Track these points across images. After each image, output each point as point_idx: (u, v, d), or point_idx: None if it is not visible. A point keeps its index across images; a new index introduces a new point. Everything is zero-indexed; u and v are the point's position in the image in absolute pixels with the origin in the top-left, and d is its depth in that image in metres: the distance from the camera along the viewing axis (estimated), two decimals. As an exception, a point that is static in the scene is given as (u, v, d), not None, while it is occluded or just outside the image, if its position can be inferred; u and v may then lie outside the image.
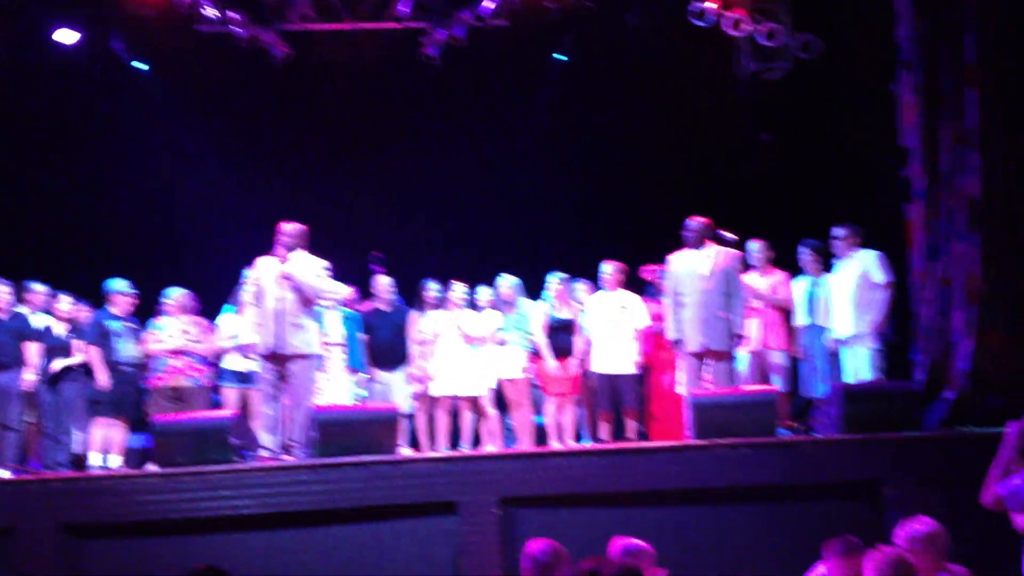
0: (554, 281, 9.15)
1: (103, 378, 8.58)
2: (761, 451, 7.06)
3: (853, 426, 7.20)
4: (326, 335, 8.88)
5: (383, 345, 9.25)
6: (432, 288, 9.29)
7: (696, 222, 8.47)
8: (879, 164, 9.02)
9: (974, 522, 5.17)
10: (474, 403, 9.07)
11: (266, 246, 8.27)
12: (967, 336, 7.84)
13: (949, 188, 8.16)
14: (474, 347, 9.06)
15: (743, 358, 8.70)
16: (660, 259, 9.45)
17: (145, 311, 9.20)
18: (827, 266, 8.97)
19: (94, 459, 8.60)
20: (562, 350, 8.99)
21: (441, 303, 9.23)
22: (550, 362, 8.96)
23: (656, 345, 9.26)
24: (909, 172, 8.49)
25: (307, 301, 8.15)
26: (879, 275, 8.44)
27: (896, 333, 8.58)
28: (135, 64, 10.94)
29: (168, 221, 11.64)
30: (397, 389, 9.21)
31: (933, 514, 5.15)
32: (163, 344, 8.80)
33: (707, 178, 11.33)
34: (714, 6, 10.29)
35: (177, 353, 8.77)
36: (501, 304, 9.22)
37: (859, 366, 8.44)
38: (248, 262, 8.46)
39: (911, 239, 8.42)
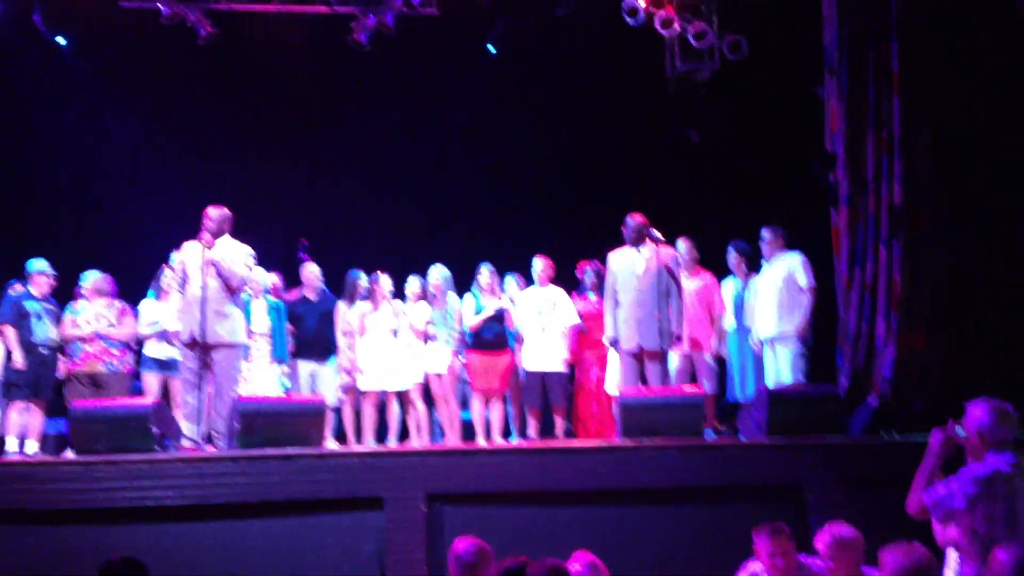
0: (485, 271, 9.12)
1: (18, 358, 8.34)
2: (687, 453, 7.11)
3: (777, 429, 7.32)
4: (251, 324, 8.74)
5: (309, 335, 9.14)
6: (360, 278, 9.20)
7: (635, 220, 8.51)
8: (805, 167, 9.15)
9: (896, 528, 5.27)
10: (401, 397, 9.01)
11: (191, 230, 8.09)
12: (890, 342, 8.03)
13: (873, 194, 8.34)
14: (402, 340, 8.99)
15: (673, 359, 8.78)
16: (587, 255, 9.54)
17: (65, 293, 8.97)
18: (753, 268, 9.11)
19: (10, 444, 8.36)
20: (491, 342, 8.97)
21: (368, 294, 9.14)
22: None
23: (583, 343, 9.32)
24: (834, 178, 8.66)
25: (232, 289, 8.00)
26: (803, 278, 8.58)
27: (821, 337, 8.74)
28: (56, 39, 10.58)
29: (90, 201, 11.36)
30: (323, 380, 9.11)
31: (856, 519, 5.30)
32: (79, 329, 8.57)
33: (636, 175, 11.42)
34: (644, 4, 10.35)
35: (92, 338, 8.54)
36: (430, 297, 9.16)
37: (781, 368, 8.57)
38: (171, 246, 8.28)
39: (837, 244, 8.59)
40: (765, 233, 8.83)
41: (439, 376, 9.04)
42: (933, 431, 4.74)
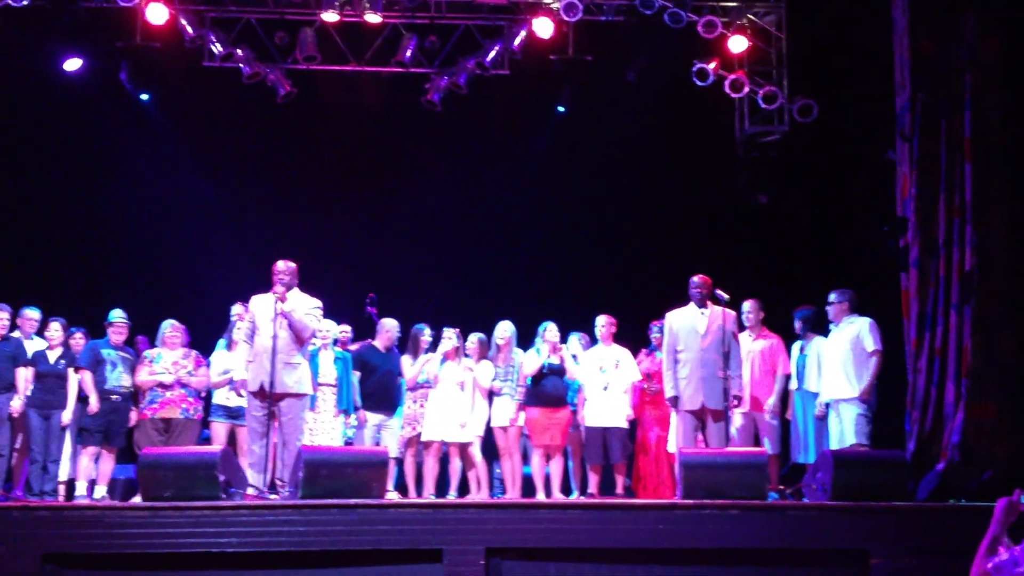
0: (550, 327, 9.16)
1: (94, 402, 8.57)
2: (750, 514, 7.02)
3: (842, 493, 7.20)
4: (318, 375, 8.87)
5: (375, 387, 9.24)
6: (426, 332, 9.30)
7: (700, 280, 8.56)
8: (875, 231, 9.09)
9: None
10: (463, 450, 9.05)
11: (260, 282, 8.28)
12: (958, 408, 7.90)
13: (944, 259, 8.26)
14: (467, 394, 9.05)
15: (736, 419, 8.72)
16: (654, 314, 9.54)
17: (134, 341, 9.20)
18: (818, 332, 9.04)
19: (80, 488, 8.55)
20: (553, 397, 8.99)
21: (434, 348, 9.23)
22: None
23: (645, 401, 9.29)
24: (905, 242, 8.59)
25: (300, 340, 8.15)
26: (870, 342, 8.49)
27: (888, 402, 8.62)
28: (140, 95, 10.96)
29: (166, 253, 11.64)
30: (389, 432, 9.18)
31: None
32: (157, 376, 8.78)
33: (702, 236, 11.42)
34: (715, 66, 10.44)
35: (171, 385, 8.74)
36: (495, 352, 9.22)
37: (846, 431, 8.46)
38: (241, 297, 8.46)
39: (906, 308, 8.49)
40: (833, 296, 8.78)
41: (504, 429, 9.08)
42: (999, 499, 4.64)
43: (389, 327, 9.47)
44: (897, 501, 7.19)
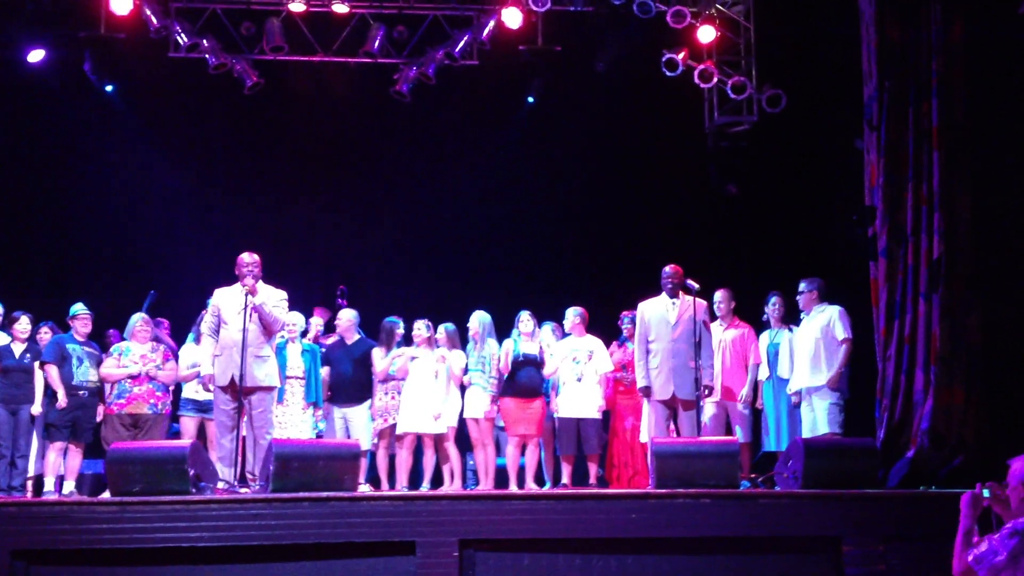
0: (525, 316, 9.15)
1: (61, 397, 8.47)
2: (722, 502, 7.04)
3: (813, 481, 7.24)
4: (287, 368, 8.81)
5: (344, 379, 9.19)
6: (397, 325, 9.26)
7: (671, 270, 8.57)
8: (844, 219, 9.14)
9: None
10: (437, 442, 9.02)
11: (227, 274, 8.21)
12: (927, 395, 7.96)
13: (912, 247, 8.31)
14: (439, 385, 9.01)
15: (708, 408, 8.75)
16: (624, 305, 9.54)
17: (102, 335, 9.10)
18: (789, 319, 9.08)
19: (48, 484, 8.46)
20: (527, 388, 8.97)
21: (406, 339, 9.19)
22: None
23: (618, 391, 9.31)
24: (873, 230, 8.64)
25: (270, 332, 8.10)
26: (840, 330, 8.54)
27: (859, 390, 8.67)
28: (105, 87, 10.83)
29: (131, 245, 11.52)
30: (356, 424, 9.14)
31: (893, 572, 5.23)
32: (125, 369, 8.68)
33: (672, 226, 11.44)
34: (683, 56, 10.45)
35: (138, 379, 8.64)
36: (470, 343, 9.19)
37: (817, 419, 8.51)
38: (209, 291, 8.39)
39: (875, 297, 8.54)
40: (803, 286, 8.82)
41: (476, 421, 9.05)
42: (963, 496, 4.69)
43: (346, 318, 9.40)
44: (868, 488, 7.24)
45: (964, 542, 4.58)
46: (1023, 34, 8.49)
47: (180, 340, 9.26)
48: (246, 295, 7.94)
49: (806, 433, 8.46)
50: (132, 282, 10.97)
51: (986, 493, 4.59)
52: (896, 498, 7.24)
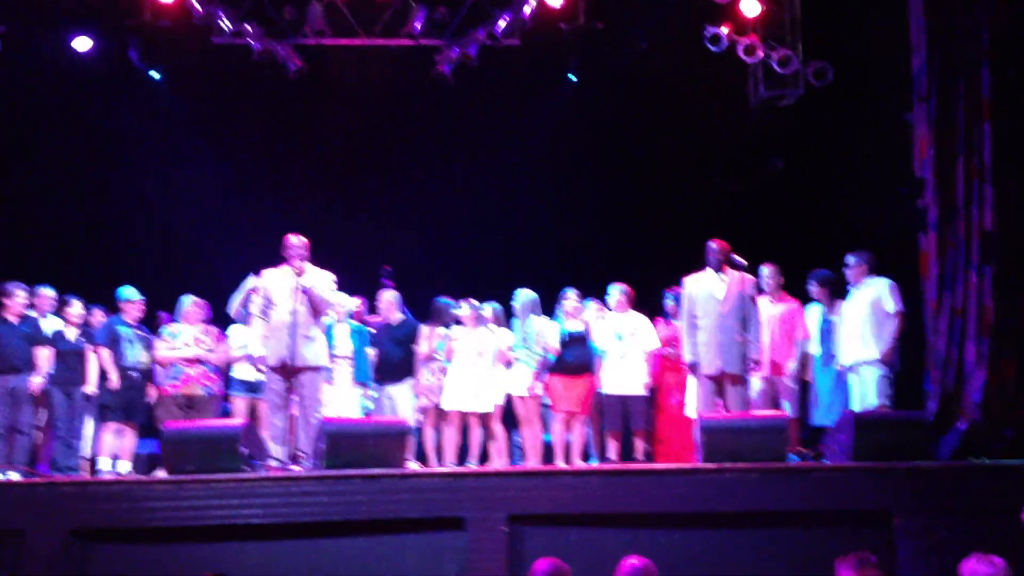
0: (571, 295, 9.15)
1: (114, 379, 8.62)
2: (770, 477, 7.03)
3: (864, 454, 7.19)
4: (334, 348, 8.90)
5: (390, 359, 9.26)
6: (444, 303, 9.30)
7: (717, 245, 8.52)
8: (892, 193, 9.04)
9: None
10: (483, 419, 9.07)
11: (273, 257, 8.29)
12: (979, 368, 7.89)
13: (963, 220, 8.22)
14: (485, 363, 9.05)
15: (755, 383, 8.71)
16: (670, 281, 9.51)
17: (154, 318, 9.23)
18: (836, 295, 9.01)
19: (104, 464, 8.62)
20: (573, 366, 8.99)
21: (452, 318, 9.24)
22: None
23: (664, 367, 9.29)
24: (923, 203, 8.55)
25: (319, 313, 8.19)
26: (890, 303, 8.47)
27: (907, 362, 8.60)
28: (150, 73, 10.95)
29: (178, 229, 11.65)
30: (403, 403, 9.21)
31: (945, 545, 5.20)
32: (177, 352, 8.81)
33: (717, 202, 11.36)
34: (727, 31, 10.36)
35: (192, 361, 8.78)
36: (516, 319, 9.21)
37: (866, 392, 8.46)
38: (255, 272, 8.48)
39: (925, 269, 8.47)
40: (850, 259, 8.75)
41: (522, 398, 9.09)
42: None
43: (386, 299, 9.46)
44: (919, 461, 7.18)
45: None
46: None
47: (227, 322, 9.34)
48: (295, 276, 8.01)
49: (855, 406, 8.40)
50: (178, 266, 11.12)
51: None
52: (948, 471, 7.18)
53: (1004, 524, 5.40)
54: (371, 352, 9.32)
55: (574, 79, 11.63)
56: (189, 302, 9.01)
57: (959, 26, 8.46)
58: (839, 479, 7.06)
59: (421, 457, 9.20)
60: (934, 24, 8.56)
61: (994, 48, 8.27)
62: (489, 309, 9.25)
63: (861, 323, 8.52)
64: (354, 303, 9.58)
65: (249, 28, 10.65)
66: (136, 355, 8.83)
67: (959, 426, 7.82)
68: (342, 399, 9.03)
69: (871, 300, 8.53)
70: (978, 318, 8.00)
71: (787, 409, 8.74)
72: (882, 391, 8.36)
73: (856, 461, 7.21)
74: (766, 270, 9.11)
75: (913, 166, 8.75)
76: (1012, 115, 8.16)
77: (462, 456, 9.12)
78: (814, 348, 9.03)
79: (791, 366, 8.91)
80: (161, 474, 7.54)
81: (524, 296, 9.24)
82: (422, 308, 9.50)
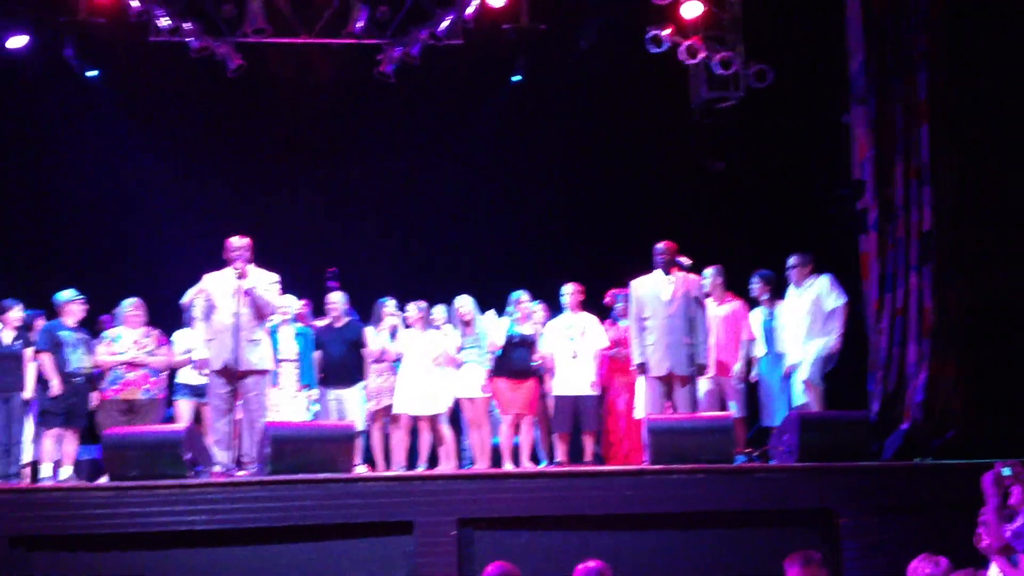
0: (522, 297, 9.15)
1: (55, 384, 8.44)
2: (717, 477, 7.11)
3: (808, 454, 7.30)
4: (279, 351, 8.80)
5: (336, 361, 9.19)
6: (387, 305, 9.25)
7: (664, 246, 8.55)
8: (831, 194, 9.17)
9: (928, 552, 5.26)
10: (432, 422, 9.03)
11: (216, 258, 8.17)
12: (921, 368, 8.03)
13: (902, 221, 8.36)
14: (433, 366, 9.02)
15: (702, 384, 8.78)
16: (612, 282, 9.56)
17: (95, 322, 9.05)
18: (778, 295, 9.12)
19: (45, 470, 8.43)
20: (521, 369, 8.99)
21: (398, 320, 9.19)
22: None
23: (613, 368, 9.33)
24: (863, 204, 8.68)
25: (263, 316, 8.10)
26: (833, 298, 8.57)
27: (850, 363, 8.73)
28: (86, 72, 10.73)
29: (118, 230, 11.43)
30: (350, 406, 9.14)
31: (888, 544, 5.29)
32: (118, 356, 8.64)
33: (660, 203, 11.43)
34: (669, 33, 10.42)
35: (133, 365, 8.61)
36: (460, 323, 9.20)
37: (804, 373, 8.55)
38: (197, 275, 8.35)
39: (866, 270, 8.61)
40: (793, 260, 8.85)
41: (471, 401, 9.07)
42: (983, 476, 4.72)
43: (334, 300, 9.40)
44: (863, 461, 7.31)
45: (998, 517, 4.60)
46: (1010, 2, 8.49)
47: (170, 325, 9.20)
48: (237, 279, 7.91)
49: (795, 392, 8.51)
50: (118, 268, 10.91)
51: (1007, 472, 4.61)
52: (891, 470, 7.33)
53: (946, 522, 5.52)
54: (316, 355, 9.23)
55: (517, 79, 11.64)
56: (130, 305, 8.83)
57: (896, 29, 8.61)
58: (784, 479, 7.16)
59: (369, 461, 9.14)
60: (871, 27, 8.70)
61: (931, 50, 8.40)
62: (442, 311, 9.22)
63: (804, 323, 8.62)
64: (298, 305, 9.48)
65: (187, 26, 10.46)
66: (79, 360, 8.64)
67: (902, 426, 7.97)
68: (287, 403, 8.93)
69: (813, 299, 8.63)
70: (918, 318, 8.14)
71: (734, 410, 8.82)
72: (817, 372, 8.46)
73: (801, 461, 7.32)
74: (709, 271, 9.17)
75: (852, 168, 8.86)
76: (949, 116, 8.30)
77: (411, 459, 9.08)
78: (759, 348, 9.13)
79: (737, 367, 9.00)
80: (103, 480, 7.40)
81: (466, 301, 9.22)
82: (367, 310, 9.44)
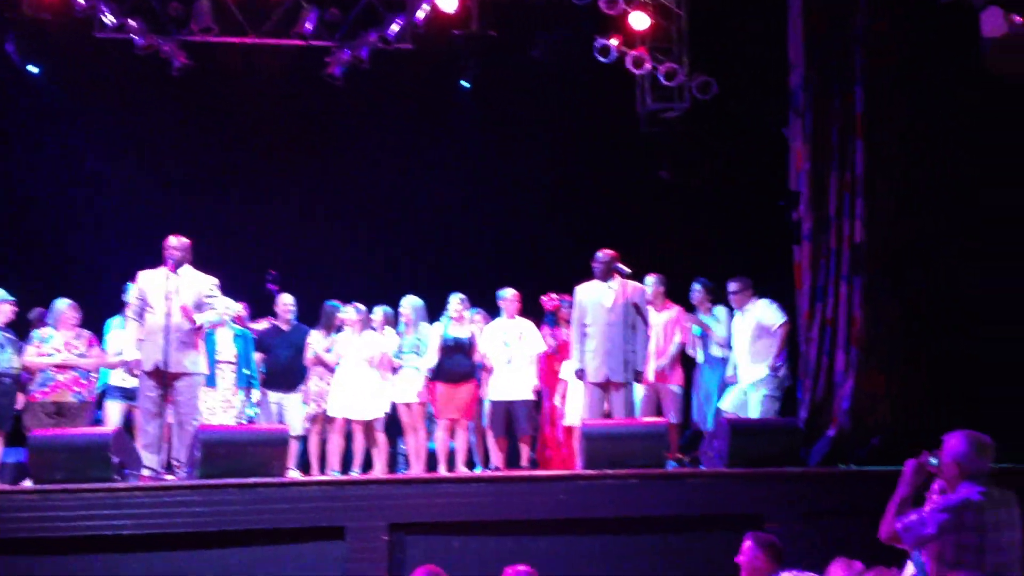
0: (455, 300, 9.15)
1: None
2: (649, 482, 7.16)
3: (738, 460, 7.37)
4: (217, 352, 8.73)
5: (282, 365, 9.15)
6: (338, 310, 9.21)
7: (604, 254, 8.58)
8: (772, 205, 9.27)
9: (852, 556, 5.33)
10: (367, 427, 9.00)
11: (157, 259, 8.09)
12: (848, 376, 8.14)
13: (835, 232, 8.48)
14: (371, 369, 8.99)
15: (639, 390, 8.84)
16: (555, 288, 9.59)
17: (25, 322, 8.91)
18: (717, 301, 9.20)
19: (-32, 473, 8.29)
20: (455, 373, 8.98)
21: (340, 324, 9.15)
22: None
23: (551, 374, 9.35)
24: (797, 215, 8.79)
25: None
26: (772, 319, 8.70)
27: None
28: (28, 67, 10.60)
29: (56, 229, 11.29)
30: (291, 410, 9.10)
31: (814, 549, 5.36)
32: (48, 357, 8.49)
33: (606, 211, 11.49)
34: (617, 43, 10.50)
35: (62, 367, 8.47)
36: (402, 325, 9.17)
37: (750, 407, 8.67)
38: (135, 274, 8.26)
39: (799, 279, 8.71)
40: (733, 286, 8.96)
41: (408, 405, 9.04)
42: (907, 461, 4.78)
43: (286, 303, 9.36)
44: (790, 467, 7.40)
45: (898, 508, 4.68)
46: (945, 24, 8.63)
47: (101, 325, 9.07)
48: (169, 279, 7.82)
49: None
50: (56, 268, 10.77)
51: (933, 461, 4.68)
52: (817, 476, 7.42)
53: (871, 527, 5.55)
54: (257, 357, 9.18)
55: (467, 86, 11.66)
56: (63, 305, 8.66)
57: (835, 44, 8.72)
58: (714, 484, 7.23)
59: (305, 465, 9.09)
60: (811, 41, 8.81)
61: (868, 66, 8.52)
62: (380, 313, 9.19)
63: (748, 345, 8.75)
64: (237, 307, 9.41)
65: (132, 23, 10.38)
66: (7, 360, 8.45)
67: (828, 433, 8.07)
68: (225, 405, 8.86)
69: (755, 324, 8.76)
70: (847, 327, 8.25)
71: (671, 416, 8.88)
72: (765, 410, 8.59)
73: (730, 467, 7.39)
74: (650, 279, 9.24)
75: (790, 179, 8.97)
76: (883, 131, 8.42)
77: (346, 464, 9.04)
78: (696, 353, 9.18)
79: (662, 363, 9.04)
80: (28, 484, 7.29)
81: (411, 302, 9.20)
82: (306, 312, 9.40)
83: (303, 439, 9.12)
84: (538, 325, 9.37)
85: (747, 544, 5.24)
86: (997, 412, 7.00)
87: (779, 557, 5.18)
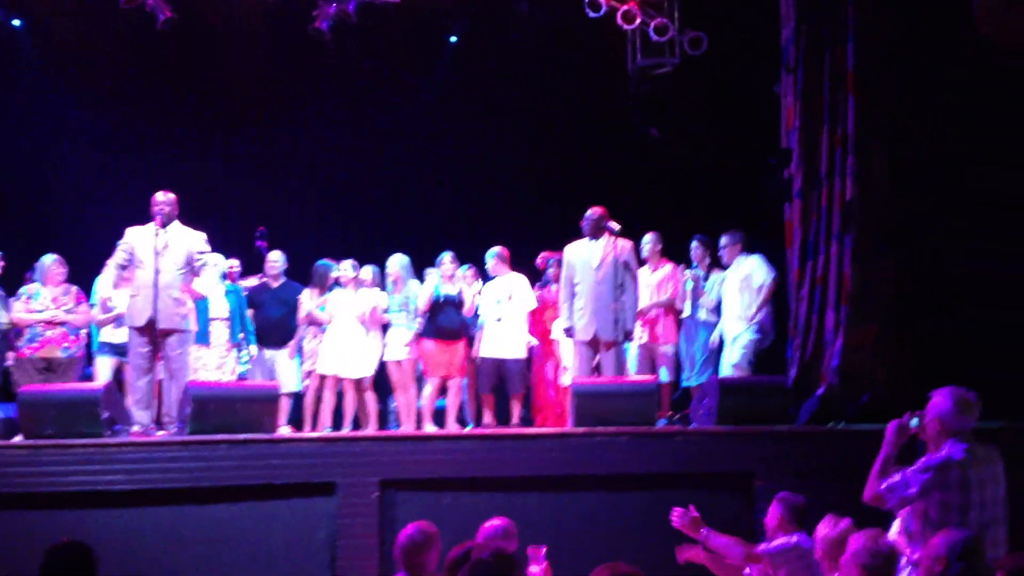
0: (446, 258, 9.11)
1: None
2: (639, 440, 7.18)
3: (727, 418, 7.40)
4: (209, 309, 8.71)
5: (271, 322, 9.14)
6: (331, 268, 9.18)
7: (593, 212, 8.54)
8: (763, 162, 9.23)
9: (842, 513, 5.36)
10: (358, 384, 9.00)
11: (143, 216, 8.02)
12: (838, 334, 8.15)
13: (826, 189, 8.46)
14: (362, 327, 8.97)
15: (632, 349, 8.84)
16: (549, 247, 9.56)
17: (14, 278, 8.86)
18: (714, 260, 9.19)
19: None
20: (447, 330, 8.96)
21: (332, 282, 9.12)
22: None
23: (543, 332, 9.35)
24: (789, 173, 8.76)
25: (189, 275, 7.96)
26: (760, 275, 8.69)
27: (776, 329, 8.85)
28: (11, 21, 10.44)
29: (41, 185, 11.18)
30: (283, 366, 9.09)
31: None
32: (37, 314, 8.45)
33: (598, 168, 11.44)
34: (607, -3, 10.39)
35: (51, 323, 8.43)
36: (390, 284, 9.14)
37: (732, 357, 8.69)
38: (122, 230, 8.19)
39: (789, 238, 8.71)
40: (724, 239, 8.97)
41: (398, 363, 9.04)
42: (890, 422, 4.80)
43: (274, 259, 9.32)
44: (780, 425, 7.44)
45: (881, 470, 4.70)
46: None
47: (88, 282, 9.01)
48: (155, 235, 7.76)
49: (723, 372, 8.62)
50: (42, 223, 10.68)
51: (915, 423, 4.69)
52: (807, 434, 7.45)
53: (860, 485, 5.59)
54: (250, 313, 9.16)
55: (455, 40, 11.55)
56: (50, 261, 8.62)
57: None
58: (704, 442, 7.26)
59: (297, 421, 9.11)
60: (802, -6, 8.74)
61: (859, 21, 8.45)
62: (369, 271, 9.16)
63: (736, 300, 8.75)
64: (229, 263, 9.38)
65: (116, -26, 10.22)
66: (-5, 317, 8.45)
67: (818, 391, 8.10)
68: (218, 361, 8.85)
69: (743, 278, 8.76)
70: (837, 286, 8.25)
71: (663, 375, 8.90)
72: (744, 356, 8.58)
73: (720, 425, 7.42)
74: (646, 237, 9.22)
75: (781, 136, 8.94)
76: (874, 87, 8.36)
77: (337, 421, 9.05)
78: (685, 309, 9.19)
79: (648, 312, 9.03)
80: (18, 439, 7.28)
81: (399, 260, 9.16)
82: (293, 270, 9.36)
83: (295, 396, 9.12)
84: (532, 286, 9.34)
85: (773, 506, 5.26)
86: (986, 369, 7.02)
87: (802, 518, 5.22)
